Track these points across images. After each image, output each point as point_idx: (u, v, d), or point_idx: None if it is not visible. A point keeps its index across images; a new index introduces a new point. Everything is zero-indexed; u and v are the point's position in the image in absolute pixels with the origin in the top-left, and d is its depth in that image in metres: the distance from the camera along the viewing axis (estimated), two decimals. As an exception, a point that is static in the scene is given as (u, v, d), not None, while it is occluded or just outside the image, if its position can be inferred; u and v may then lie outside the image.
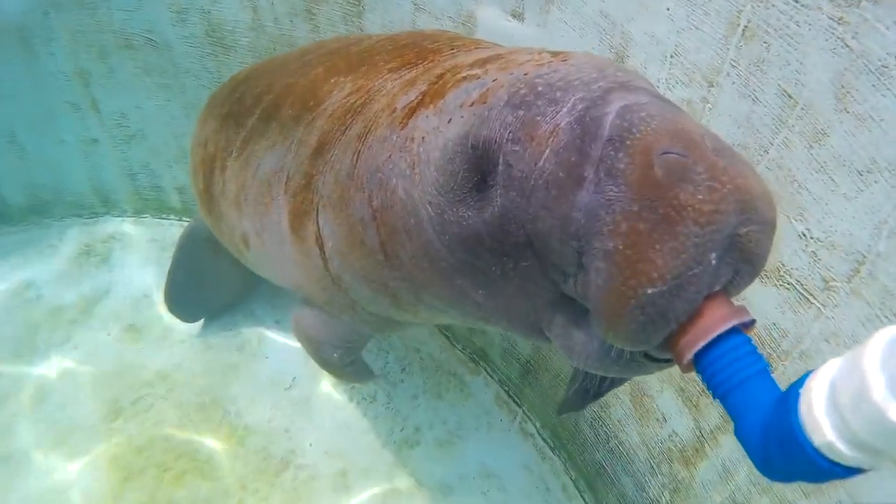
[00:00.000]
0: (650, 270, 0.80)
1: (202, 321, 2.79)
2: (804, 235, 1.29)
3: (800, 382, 0.74)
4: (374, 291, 1.34)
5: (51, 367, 2.65)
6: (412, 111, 1.14)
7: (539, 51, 1.09)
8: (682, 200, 0.79)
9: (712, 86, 1.37)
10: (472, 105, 1.01)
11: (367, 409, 2.54)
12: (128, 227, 3.18)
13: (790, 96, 1.23)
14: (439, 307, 1.25)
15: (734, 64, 1.31)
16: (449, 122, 1.03)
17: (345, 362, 1.88)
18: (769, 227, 0.86)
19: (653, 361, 0.94)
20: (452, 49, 1.41)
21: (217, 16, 2.49)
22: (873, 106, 1.11)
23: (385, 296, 1.33)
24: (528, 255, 0.96)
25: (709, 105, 1.40)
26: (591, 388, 1.53)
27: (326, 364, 1.90)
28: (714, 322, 0.82)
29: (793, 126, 1.25)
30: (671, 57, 1.43)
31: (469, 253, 1.03)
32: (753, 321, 0.85)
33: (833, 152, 1.19)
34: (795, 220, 1.30)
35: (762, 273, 1.37)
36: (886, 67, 1.06)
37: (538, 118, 0.92)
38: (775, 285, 1.38)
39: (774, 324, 1.42)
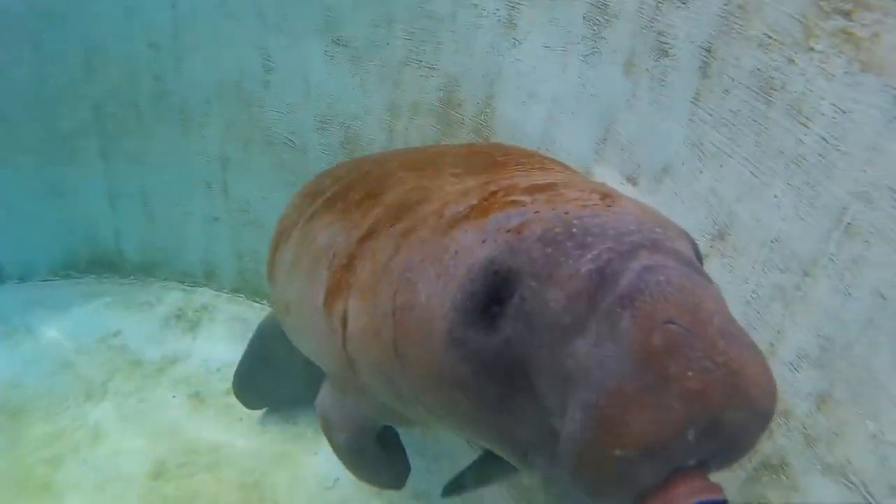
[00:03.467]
0: (623, 434, 0.80)
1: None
2: (876, 437, 1.26)
3: None
4: (380, 382, 1.36)
5: (113, 414, 2.75)
6: (457, 221, 1.16)
7: (593, 188, 1.12)
8: (671, 373, 0.80)
9: (807, 275, 1.40)
10: (508, 231, 1.03)
11: (399, 530, 2.48)
12: (222, 302, 3.34)
13: (884, 297, 1.25)
14: (436, 414, 1.25)
15: (832, 258, 1.35)
16: (483, 242, 1.05)
17: (351, 447, 1.85)
18: (760, 416, 0.86)
19: None
20: (518, 165, 1.46)
21: (355, 130, 2.72)
22: (965, 320, 1.11)
23: (390, 388, 1.34)
24: (527, 388, 0.96)
25: (800, 293, 1.42)
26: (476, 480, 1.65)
27: (337, 448, 1.89)
28: (682, 495, 0.81)
29: (881, 327, 1.26)
30: (772, 242, 1.48)
31: (470, 373, 1.04)
32: (726, 502, 0.83)
33: (920, 358, 1.19)
34: (869, 420, 1.27)
35: (825, 465, 1.34)
36: (984, 282, 1.08)
37: (562, 259, 0.93)
38: (837, 482, 1.33)
39: (831, 523, 1.36)
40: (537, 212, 1.03)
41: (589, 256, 0.92)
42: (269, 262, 2.08)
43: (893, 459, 1.23)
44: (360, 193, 1.62)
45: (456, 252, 1.10)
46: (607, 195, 1.08)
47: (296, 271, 1.73)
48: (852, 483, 1.31)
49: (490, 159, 1.54)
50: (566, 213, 1.00)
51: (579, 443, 0.84)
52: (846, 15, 1.27)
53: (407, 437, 2.06)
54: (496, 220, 1.08)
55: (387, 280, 1.27)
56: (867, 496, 1.28)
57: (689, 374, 0.79)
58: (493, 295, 1.00)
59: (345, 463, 1.95)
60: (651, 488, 0.82)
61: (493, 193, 1.19)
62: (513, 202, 1.10)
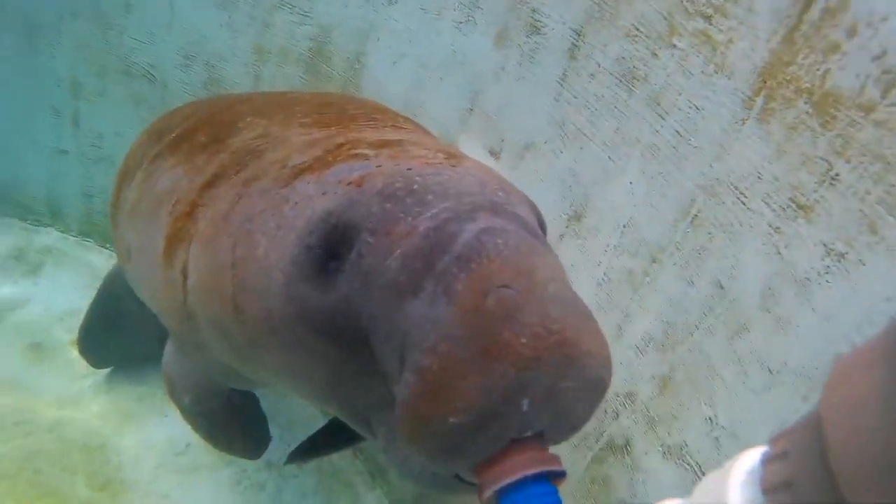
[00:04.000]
0: (456, 400, 0.79)
1: (111, 364, 2.69)
2: (710, 420, 1.34)
3: None
4: (220, 339, 1.32)
5: (-60, 364, 2.52)
6: (299, 173, 1.14)
7: (439, 148, 1.11)
8: (504, 339, 0.79)
9: (655, 261, 1.45)
10: (349, 184, 1.01)
11: (253, 496, 2.43)
12: (69, 245, 3.10)
13: (722, 287, 1.31)
14: (276, 374, 1.23)
15: (679, 246, 1.40)
16: (323, 194, 1.03)
17: (196, 410, 1.81)
18: (594, 386, 0.86)
19: (463, 483, 0.93)
20: (370, 120, 1.44)
21: (220, 72, 2.57)
22: (793, 312, 1.18)
23: (230, 347, 1.30)
24: (364, 348, 0.95)
25: (648, 278, 1.47)
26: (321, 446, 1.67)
27: (182, 410, 1.83)
28: (519, 464, 0.81)
29: (719, 315, 1.32)
30: (624, 226, 1.52)
31: (308, 331, 1.01)
32: (564, 473, 0.84)
33: (751, 347, 1.26)
34: (705, 404, 1.35)
35: (665, 447, 1.42)
36: (809, 280, 1.15)
37: (401, 215, 0.92)
38: (676, 462, 1.41)
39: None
40: (380, 166, 1.02)
41: (428, 214, 0.91)
42: (111, 204, 1.96)
43: (725, 442, 1.31)
44: (206, 136, 1.55)
45: (296, 203, 1.07)
46: (453, 155, 1.07)
47: (136, 215, 1.64)
48: (689, 465, 1.39)
49: (342, 111, 1.50)
50: (409, 168, 0.99)
51: (411, 408, 0.83)
52: (707, 18, 1.30)
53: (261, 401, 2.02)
54: (338, 171, 1.05)
55: (227, 230, 1.22)
56: (701, 476, 1.36)
57: (522, 340, 0.79)
58: (331, 249, 0.98)
59: (193, 427, 1.88)
60: (488, 457, 0.82)
61: (340, 146, 1.16)
62: (356, 155, 1.08)
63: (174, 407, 1.91)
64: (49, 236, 3.12)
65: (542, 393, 0.80)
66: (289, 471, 2.48)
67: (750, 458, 0.63)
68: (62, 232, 3.15)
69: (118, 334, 2.52)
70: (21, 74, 2.82)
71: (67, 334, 2.71)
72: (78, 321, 2.58)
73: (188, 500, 2.36)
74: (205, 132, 1.58)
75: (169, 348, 1.75)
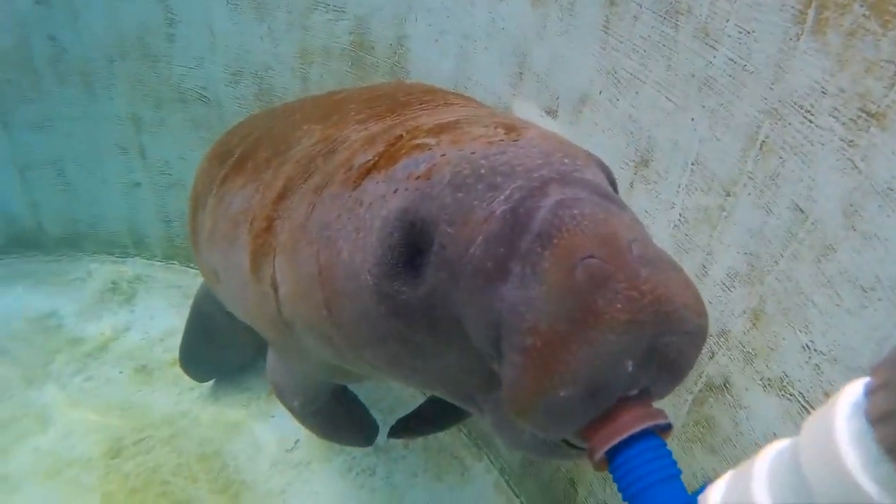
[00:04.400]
0: (563, 373, 0.81)
1: (214, 374, 2.82)
2: (807, 347, 1.32)
3: (700, 490, 0.75)
4: (319, 343, 1.35)
5: (59, 397, 2.68)
6: (366, 172, 1.15)
7: (497, 122, 1.11)
8: (599, 307, 0.80)
9: (729, 195, 1.43)
10: (417, 178, 1.01)
11: (364, 481, 2.52)
12: (155, 270, 3.27)
13: (801, 210, 1.28)
14: (378, 367, 1.26)
15: (751, 176, 1.37)
16: (395, 192, 1.04)
17: (307, 411, 1.87)
18: (694, 336, 0.87)
19: (573, 448, 0.95)
20: (422, 104, 1.44)
21: (269, 81, 2.63)
22: (879, 226, 1.15)
23: (330, 348, 1.33)
24: (461, 334, 0.97)
25: (724, 213, 1.45)
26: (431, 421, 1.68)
27: (294, 413, 1.90)
28: (626, 423, 0.83)
29: (802, 240, 1.29)
30: (692, 164, 1.50)
31: (403, 325, 1.04)
32: (670, 425, 0.86)
33: (840, 268, 1.23)
34: (800, 332, 1.33)
35: (765, 380, 1.40)
36: (892, 190, 1.11)
37: (475, 202, 0.93)
38: (778, 395, 1.40)
39: (775, 434, 1.43)
40: (444, 154, 1.02)
41: (501, 197, 0.91)
42: (190, 232, 2.03)
43: (826, 368, 1.29)
44: (267, 151, 1.58)
45: (370, 204, 1.08)
46: (512, 128, 1.06)
47: (217, 238, 1.69)
48: (791, 395, 1.37)
49: (393, 100, 1.50)
50: (472, 152, 0.99)
51: (520, 388, 0.85)
52: (744, -64, 1.26)
53: (360, 391, 2.08)
54: (404, 166, 1.06)
55: (306, 240, 1.25)
56: (805, 405, 1.35)
57: (618, 306, 0.80)
58: (413, 245, 0.99)
59: (306, 426, 1.96)
60: (596, 420, 0.84)
61: (399, 138, 1.17)
62: (418, 146, 1.08)
63: (279, 408, 2.00)
64: (136, 265, 3.29)
65: (644, 352, 0.82)
66: (396, 452, 2.56)
67: (854, 391, 0.62)
68: (147, 259, 3.31)
69: (215, 349, 2.63)
70: (85, 120, 2.96)
71: (168, 353, 2.86)
72: (176, 340, 2.71)
73: (305, 493, 2.46)
74: (265, 148, 1.61)
75: (271, 357, 1.81)
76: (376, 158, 1.16)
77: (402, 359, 1.12)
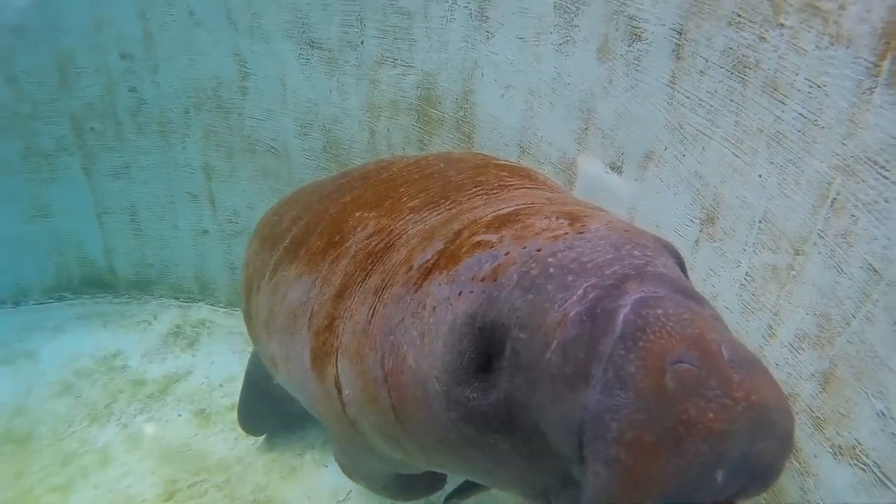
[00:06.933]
0: (652, 486, 0.77)
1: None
2: (883, 415, 1.25)
3: None
4: (388, 444, 1.33)
5: (120, 436, 2.74)
6: (427, 272, 1.12)
7: (559, 212, 1.06)
8: (692, 417, 0.76)
9: (798, 254, 1.38)
10: (482, 280, 0.98)
11: (417, 534, 2.48)
12: (219, 316, 3.35)
13: (875, 271, 1.23)
14: (451, 468, 1.24)
15: (822, 234, 1.33)
16: (459, 294, 1.01)
17: (376, 489, 1.87)
18: (785, 441, 0.83)
19: None
20: (476, 185, 1.41)
21: (336, 134, 2.69)
22: (960, 289, 1.10)
23: (399, 449, 1.31)
24: (537, 438, 0.93)
25: (793, 272, 1.40)
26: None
27: (363, 486, 1.91)
28: None
29: (877, 301, 1.24)
30: (760, 222, 1.46)
31: (475, 431, 1.01)
32: None
33: (917, 331, 1.17)
34: (874, 398, 1.26)
35: (836, 447, 1.33)
36: (973, 253, 1.06)
37: (547, 304, 0.89)
38: (850, 464, 1.32)
39: (846, 505, 1.35)
40: (508, 253, 0.99)
41: (574, 298, 0.88)
42: (244, 313, 2.06)
43: (901, 436, 1.22)
44: (322, 240, 1.56)
45: (434, 308, 1.06)
46: (575, 217, 1.02)
47: (274, 329, 1.68)
48: (865, 464, 1.29)
49: (445, 181, 1.47)
50: (538, 249, 0.96)
51: (605, 499, 0.81)
52: (813, -10, 1.24)
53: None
54: (468, 267, 1.03)
55: (370, 344, 1.23)
56: (881, 476, 1.27)
57: (710, 415, 0.76)
58: (483, 351, 0.97)
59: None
60: None
61: (458, 234, 1.14)
62: (480, 243, 1.05)
63: (333, 457, 1.99)
64: (201, 311, 3.38)
65: (737, 460, 0.79)
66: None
67: None
68: (212, 305, 3.39)
69: (271, 406, 2.60)
70: (160, 169, 3.09)
71: (228, 399, 2.90)
72: (235, 385, 2.75)
73: (355, 545, 2.43)
74: (319, 235, 1.59)
75: (335, 441, 1.80)
76: (436, 257, 1.13)
77: (475, 462, 1.10)
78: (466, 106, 2.23)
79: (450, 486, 1.92)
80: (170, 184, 3.12)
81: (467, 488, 1.78)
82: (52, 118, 2.95)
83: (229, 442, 2.74)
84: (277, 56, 2.64)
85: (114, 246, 3.31)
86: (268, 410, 2.67)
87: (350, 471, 1.87)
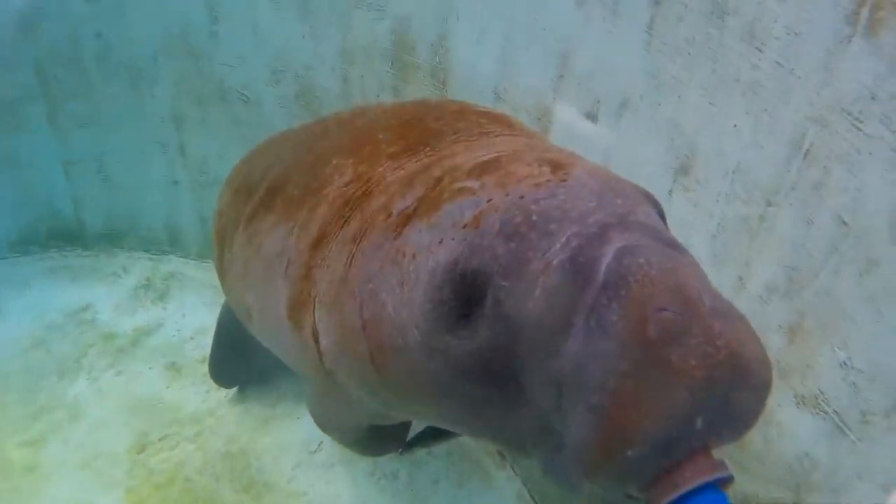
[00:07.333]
0: (634, 433, 0.78)
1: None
2: (845, 365, 1.26)
3: None
4: (365, 393, 1.33)
5: (90, 390, 2.71)
6: (407, 219, 1.11)
7: (541, 159, 1.04)
8: (674, 364, 0.77)
9: (770, 205, 1.38)
10: (464, 227, 0.97)
11: (387, 485, 2.49)
12: (190, 269, 3.28)
13: (845, 223, 1.23)
14: (428, 418, 1.24)
15: (794, 186, 1.32)
16: (440, 242, 1.00)
17: (346, 441, 1.86)
18: (762, 390, 0.84)
19: (630, 499, 0.91)
20: (456, 133, 1.38)
21: (309, 81, 2.63)
22: (929, 241, 1.09)
23: (376, 398, 1.31)
24: (514, 386, 0.93)
25: (765, 224, 1.40)
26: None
27: (332, 438, 1.91)
28: (689, 477, 0.80)
29: (844, 253, 1.24)
30: (733, 172, 1.45)
31: (455, 378, 1.00)
32: (732, 477, 0.83)
33: (883, 283, 1.18)
34: (838, 349, 1.27)
35: (799, 397, 1.35)
36: (945, 203, 1.06)
37: (529, 252, 0.89)
38: (812, 413, 1.34)
39: (807, 453, 1.37)
40: (490, 199, 0.97)
41: (557, 245, 0.87)
42: (217, 265, 2.03)
43: (864, 386, 1.24)
44: (297, 187, 1.53)
45: (414, 256, 1.04)
46: (557, 165, 1.01)
47: (249, 279, 1.66)
48: (825, 412, 1.31)
49: (424, 127, 1.44)
50: (521, 196, 0.94)
51: (589, 448, 0.82)
52: (794, -66, 1.21)
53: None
54: (448, 214, 1.01)
55: (348, 292, 1.21)
56: (840, 424, 1.29)
57: (693, 362, 0.77)
58: (464, 299, 0.95)
59: (347, 447, 1.97)
60: (659, 474, 0.81)
61: (438, 180, 1.13)
62: (461, 190, 1.04)
63: (305, 408, 1.98)
64: (171, 263, 3.31)
65: (716, 408, 0.79)
66: (420, 458, 2.53)
67: None
68: (182, 257, 3.33)
69: (243, 357, 2.59)
70: (128, 117, 3.00)
71: (199, 351, 2.86)
72: (206, 339, 2.72)
73: (327, 495, 2.44)
74: (294, 183, 1.56)
75: (312, 397, 1.79)
76: (416, 204, 1.11)
77: (452, 411, 1.10)
78: (441, 50, 2.18)
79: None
80: (139, 133, 3.03)
81: (432, 436, 1.78)
82: (14, 66, 2.84)
83: (201, 394, 2.72)
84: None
85: (81, 197, 3.22)
86: (239, 362, 2.64)
87: (323, 422, 1.86)
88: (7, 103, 2.93)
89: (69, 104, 2.97)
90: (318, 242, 1.37)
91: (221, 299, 2.65)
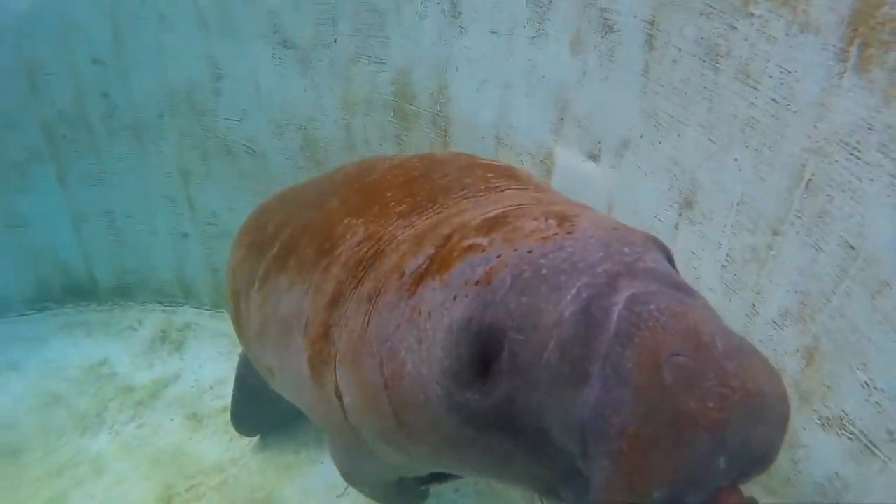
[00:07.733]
0: (656, 477, 0.79)
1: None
2: (867, 385, 1.29)
3: None
4: (390, 449, 1.34)
5: (113, 444, 2.74)
6: (420, 278, 1.13)
7: (547, 214, 1.07)
8: (691, 408, 0.78)
9: (777, 234, 1.42)
10: (476, 284, 0.99)
11: (413, 526, 2.50)
12: (204, 319, 3.33)
13: (852, 247, 1.27)
14: (452, 468, 1.25)
15: (798, 214, 1.37)
16: (454, 299, 1.02)
17: (375, 496, 1.87)
18: (780, 424, 0.86)
19: None
20: (463, 189, 1.41)
21: (312, 133, 2.69)
22: (935, 261, 1.14)
23: (402, 454, 1.32)
24: (539, 434, 0.95)
25: (773, 252, 1.44)
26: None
27: (364, 494, 1.91)
28: None
29: (855, 276, 1.28)
30: (738, 204, 1.50)
31: (480, 431, 1.03)
32: None
33: None
34: (858, 370, 1.30)
35: (823, 419, 1.38)
36: (947, 227, 1.10)
37: (542, 305, 0.90)
38: (838, 434, 1.37)
39: (837, 473, 1.40)
40: (500, 256, 1.00)
41: (568, 298, 0.89)
42: (233, 320, 2.05)
43: (887, 405, 1.26)
44: (311, 248, 1.55)
45: (429, 314, 1.07)
46: (564, 217, 1.04)
47: (268, 338, 1.68)
48: (852, 433, 1.34)
49: (431, 184, 1.47)
50: (529, 251, 0.97)
51: (610, 492, 0.83)
52: (781, -19, 1.28)
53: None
54: (460, 271, 1.04)
55: (367, 351, 1.24)
56: (868, 444, 1.32)
57: (709, 405, 0.79)
58: (481, 354, 0.98)
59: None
60: None
61: (448, 238, 1.15)
62: (471, 247, 1.06)
63: (327, 454, 2.00)
64: (185, 314, 3.37)
65: (736, 446, 0.81)
66: (447, 497, 2.53)
67: None
68: (196, 308, 3.38)
69: (264, 406, 2.59)
70: (136, 173, 3.07)
71: (219, 401, 2.90)
72: (225, 388, 2.75)
73: (355, 539, 2.45)
74: (306, 242, 1.58)
75: (335, 449, 1.80)
76: (428, 263, 1.14)
77: (482, 462, 1.11)
78: (442, 100, 2.24)
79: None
80: (146, 188, 3.10)
81: (445, 475, 1.79)
82: (22, 126, 2.92)
83: (223, 444, 2.75)
84: (250, 56, 2.63)
85: (93, 253, 3.28)
86: (261, 410, 2.67)
87: (352, 478, 1.88)
88: (17, 164, 3.00)
89: (77, 163, 3.04)
90: (335, 302, 1.39)
91: (237, 348, 2.68)
